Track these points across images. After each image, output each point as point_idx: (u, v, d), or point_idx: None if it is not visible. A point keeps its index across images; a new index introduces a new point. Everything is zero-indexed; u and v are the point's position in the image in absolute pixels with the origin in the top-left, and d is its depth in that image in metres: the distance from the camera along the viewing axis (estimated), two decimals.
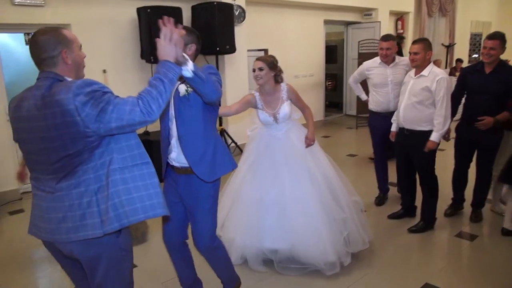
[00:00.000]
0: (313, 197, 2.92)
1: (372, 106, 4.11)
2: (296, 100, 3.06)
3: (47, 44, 1.56)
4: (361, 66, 4.24)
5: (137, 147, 1.66)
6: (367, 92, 4.33)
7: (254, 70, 2.90)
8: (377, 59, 4.03)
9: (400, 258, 3.22)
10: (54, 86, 1.53)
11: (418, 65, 3.34)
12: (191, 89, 2.07)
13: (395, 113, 3.69)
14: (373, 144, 4.22)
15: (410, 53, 3.37)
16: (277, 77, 2.97)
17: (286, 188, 2.94)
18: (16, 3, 4.38)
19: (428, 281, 2.86)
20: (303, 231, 2.87)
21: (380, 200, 4.28)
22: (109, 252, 1.67)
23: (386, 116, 3.91)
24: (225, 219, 3.10)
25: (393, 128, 3.72)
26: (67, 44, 1.60)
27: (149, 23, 4.87)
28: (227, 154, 2.32)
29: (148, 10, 4.90)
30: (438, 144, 3.37)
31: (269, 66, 2.88)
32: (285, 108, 2.99)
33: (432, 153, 3.43)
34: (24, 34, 4.85)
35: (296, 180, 2.96)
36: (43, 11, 4.61)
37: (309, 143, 3.06)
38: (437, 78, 3.26)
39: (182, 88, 2.10)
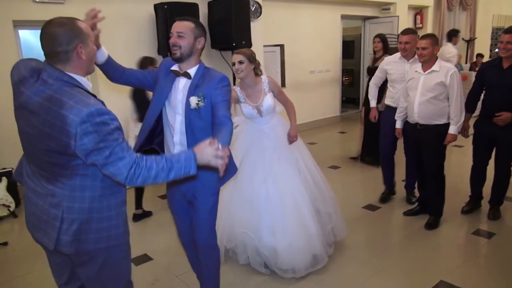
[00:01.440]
0: (302, 191, 2.96)
1: (388, 101, 4.08)
2: (278, 93, 3.05)
3: (63, 37, 1.45)
4: (381, 63, 4.22)
5: None
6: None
7: (234, 64, 2.89)
8: (397, 55, 3.98)
9: (416, 255, 3.20)
10: (66, 94, 1.43)
11: (426, 60, 3.36)
12: (202, 104, 2.05)
13: (399, 109, 3.70)
14: (382, 140, 4.14)
15: (418, 48, 3.38)
16: (257, 70, 2.98)
17: (276, 183, 2.93)
18: (37, 0, 4.48)
19: (443, 279, 2.84)
20: (295, 225, 2.87)
21: (386, 197, 4.22)
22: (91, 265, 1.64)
23: None
24: (224, 219, 3.04)
25: (398, 125, 3.73)
26: (83, 38, 1.51)
27: (166, 19, 4.91)
28: (231, 158, 2.31)
29: (165, 7, 4.94)
30: (457, 136, 3.43)
31: (249, 59, 2.87)
32: (268, 100, 2.97)
33: (444, 148, 3.47)
34: None
35: (286, 174, 2.96)
36: (63, 8, 4.71)
37: (291, 140, 3.05)
38: (450, 72, 3.30)
39: (193, 100, 2.05)
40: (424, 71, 3.39)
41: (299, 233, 2.86)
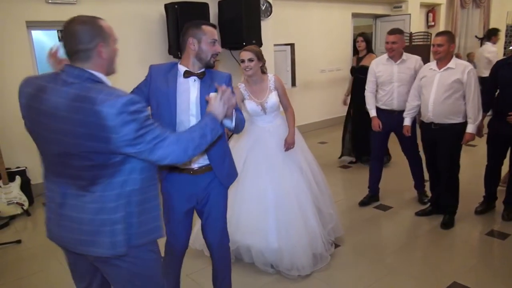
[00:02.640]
0: (306, 191, 2.96)
1: (378, 103, 3.98)
2: (282, 94, 3.03)
3: (84, 35, 1.44)
4: (370, 66, 4.03)
5: (153, 167, 1.60)
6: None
7: (243, 61, 2.87)
8: (385, 56, 3.89)
9: (428, 255, 3.16)
10: (92, 90, 1.40)
11: (442, 58, 3.32)
12: None
13: (408, 107, 3.66)
14: (373, 143, 4.06)
15: (433, 45, 3.34)
16: (263, 67, 2.97)
17: (281, 184, 2.91)
18: (50, 1, 4.53)
19: (456, 280, 2.80)
20: (299, 225, 2.86)
21: (367, 201, 4.12)
22: (126, 268, 1.59)
23: (390, 114, 3.86)
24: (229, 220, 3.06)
25: (407, 122, 3.69)
26: (104, 37, 1.49)
27: (176, 19, 4.93)
28: (232, 162, 2.32)
29: (176, 6, 4.96)
30: (475, 135, 3.39)
31: (257, 57, 2.86)
32: (273, 97, 2.95)
33: (460, 147, 3.44)
34: (57, 31, 5.00)
35: (290, 175, 2.95)
36: (75, 8, 4.75)
37: (288, 147, 2.98)
38: (467, 70, 3.26)
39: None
40: (440, 69, 3.35)
41: (303, 234, 2.85)
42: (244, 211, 2.94)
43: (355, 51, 5.27)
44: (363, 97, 4.76)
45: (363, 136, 4.79)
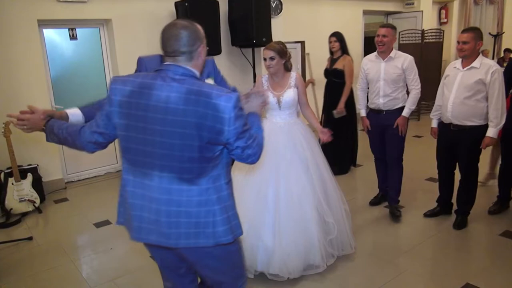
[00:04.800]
0: (309, 195, 2.83)
1: (368, 101, 3.83)
2: (301, 92, 2.99)
3: (188, 38, 1.55)
4: (361, 64, 3.85)
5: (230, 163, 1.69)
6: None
7: (265, 60, 2.84)
8: (374, 54, 3.68)
9: (440, 256, 3.12)
10: (203, 86, 1.52)
11: (467, 56, 3.16)
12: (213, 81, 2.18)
13: (434, 108, 3.55)
14: (372, 146, 3.90)
15: (458, 42, 3.19)
16: (287, 64, 2.92)
17: (285, 186, 2.83)
18: (61, 0, 4.56)
19: (469, 281, 2.75)
20: (297, 231, 2.77)
21: (377, 201, 4.05)
22: (223, 255, 1.70)
23: (378, 114, 3.67)
24: None
25: (434, 124, 3.59)
26: (202, 40, 1.61)
27: (187, 17, 4.92)
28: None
29: (186, 4, 4.96)
30: (495, 139, 3.24)
31: (280, 54, 2.82)
32: (291, 93, 2.91)
33: (479, 151, 3.31)
34: (68, 29, 5.04)
35: (295, 178, 2.85)
36: (86, 7, 4.78)
37: (323, 136, 2.95)
38: (491, 70, 3.09)
39: (210, 81, 2.17)
40: (463, 68, 3.21)
41: (299, 240, 2.75)
42: (242, 203, 2.87)
43: (330, 52, 4.95)
44: (336, 102, 4.65)
45: (335, 146, 4.21)
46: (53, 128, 1.75)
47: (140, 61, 2.17)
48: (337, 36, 4.81)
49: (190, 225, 1.57)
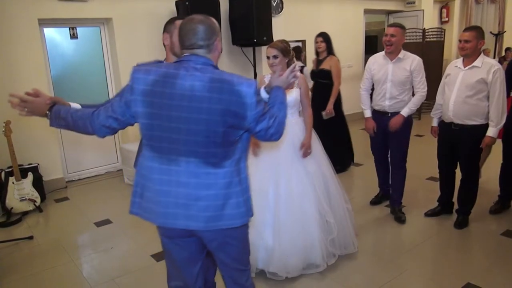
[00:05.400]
0: (309, 195, 2.83)
1: (372, 103, 3.71)
2: (304, 94, 2.93)
3: (205, 32, 1.63)
4: (367, 64, 3.72)
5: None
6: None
7: (268, 58, 2.83)
8: (382, 53, 3.56)
9: (441, 256, 3.11)
10: (224, 74, 1.62)
11: (468, 54, 3.15)
12: None
13: (435, 107, 3.54)
14: (373, 146, 3.83)
15: (460, 40, 3.18)
16: (290, 63, 2.88)
17: (286, 185, 2.82)
18: None
19: (470, 281, 2.75)
20: (297, 231, 2.77)
21: (378, 200, 4.02)
22: (241, 236, 1.80)
23: (382, 115, 3.56)
24: None
25: (434, 123, 3.58)
26: (218, 33, 1.69)
27: (187, 16, 4.91)
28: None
29: (187, 3, 4.95)
30: (495, 139, 3.22)
31: (283, 53, 2.80)
32: (293, 93, 2.88)
33: (480, 150, 3.29)
34: (69, 28, 5.03)
35: (296, 177, 2.84)
36: (87, 6, 4.77)
37: (305, 151, 2.87)
38: (493, 69, 3.09)
39: None
40: (465, 67, 3.20)
41: (299, 241, 2.75)
42: None
43: (315, 53, 4.90)
44: (325, 104, 4.57)
45: (328, 147, 4.00)
46: (60, 112, 1.74)
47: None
48: (324, 37, 4.77)
49: (217, 207, 1.63)
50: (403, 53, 3.45)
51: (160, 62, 2.07)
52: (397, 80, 3.43)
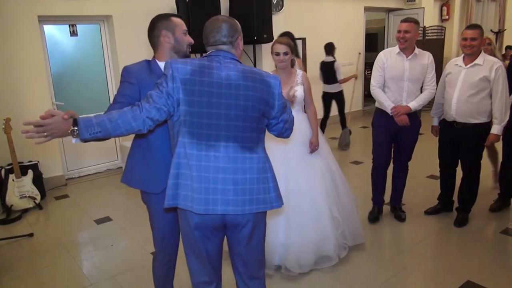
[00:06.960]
0: (322, 191, 2.87)
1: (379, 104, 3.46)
2: (307, 91, 2.97)
3: (229, 30, 1.76)
4: (377, 59, 3.43)
5: None
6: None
7: (278, 54, 2.83)
8: (395, 49, 3.33)
9: (441, 254, 3.12)
10: (251, 67, 1.78)
11: (474, 53, 3.14)
12: None
13: (435, 106, 3.53)
14: (376, 150, 3.58)
15: (466, 38, 3.14)
16: (293, 60, 2.97)
17: (297, 181, 2.85)
18: None
19: (470, 279, 2.75)
20: (310, 225, 2.81)
21: (376, 216, 3.65)
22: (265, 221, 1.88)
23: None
24: None
25: (435, 122, 3.57)
26: (240, 32, 1.83)
27: (188, 13, 4.91)
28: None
29: (187, 1, 4.94)
30: (500, 136, 3.23)
31: (291, 50, 2.84)
32: (299, 90, 2.90)
33: (482, 148, 3.30)
34: (69, 25, 5.02)
35: (307, 173, 2.90)
36: (87, 3, 4.76)
37: (313, 148, 2.93)
38: (495, 67, 3.08)
39: None
40: (466, 65, 3.18)
41: (310, 236, 2.80)
42: None
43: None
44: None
45: None
46: (91, 119, 1.58)
47: (128, 70, 1.98)
48: (288, 36, 4.56)
49: (253, 191, 1.70)
50: (417, 49, 3.30)
51: (148, 61, 2.06)
52: (415, 77, 3.27)
